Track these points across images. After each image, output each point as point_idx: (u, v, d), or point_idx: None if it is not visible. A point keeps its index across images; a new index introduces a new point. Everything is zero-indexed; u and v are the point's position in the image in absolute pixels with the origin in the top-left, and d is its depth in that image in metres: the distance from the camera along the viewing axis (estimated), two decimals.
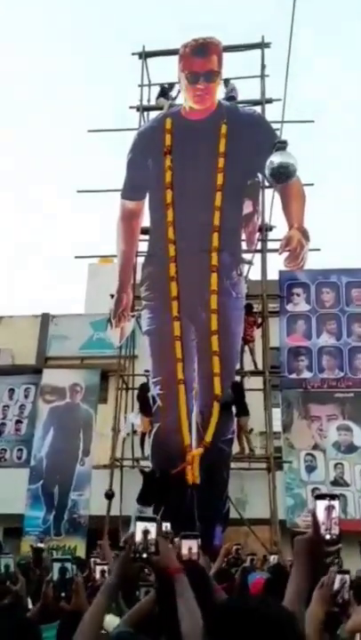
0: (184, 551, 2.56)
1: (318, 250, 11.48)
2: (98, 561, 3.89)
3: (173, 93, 12.44)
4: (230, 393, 9.86)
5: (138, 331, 11.44)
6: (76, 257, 14.03)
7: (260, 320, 11.38)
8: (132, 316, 11.26)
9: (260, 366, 11.25)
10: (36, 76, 34.91)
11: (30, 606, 3.11)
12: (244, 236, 11.16)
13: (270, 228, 11.88)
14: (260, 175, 10.74)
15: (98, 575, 3.46)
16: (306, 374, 11.31)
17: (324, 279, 11.85)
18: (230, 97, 12.00)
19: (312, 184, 11.32)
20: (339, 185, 28.77)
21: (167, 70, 12.37)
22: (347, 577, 2.24)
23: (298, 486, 10.63)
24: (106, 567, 3.45)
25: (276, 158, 8.15)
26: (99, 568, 3.49)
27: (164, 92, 12.73)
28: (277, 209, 10.86)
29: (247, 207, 11.06)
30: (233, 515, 9.85)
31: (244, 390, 10.44)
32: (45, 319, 14.59)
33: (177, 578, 1.80)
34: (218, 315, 9.86)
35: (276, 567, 4.82)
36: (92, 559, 4.40)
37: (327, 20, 30.59)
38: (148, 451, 10.37)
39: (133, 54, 13.43)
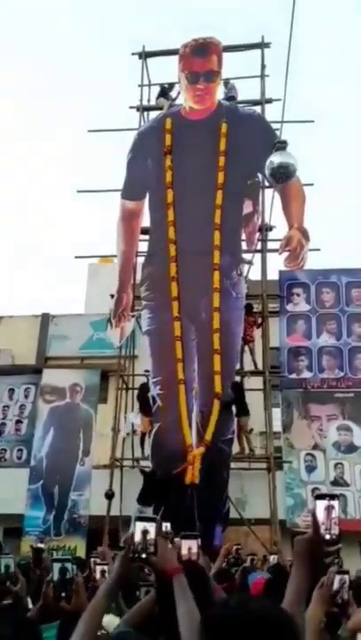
0: (184, 551, 2.56)
1: (318, 250, 11.49)
2: (98, 561, 3.89)
3: (173, 93, 12.45)
4: (230, 393, 9.86)
5: (138, 331, 11.44)
6: (76, 257, 14.05)
7: (260, 320, 11.39)
8: (132, 316, 11.26)
9: (260, 366, 11.26)
10: (36, 76, 34.95)
11: (30, 606, 3.11)
12: (244, 236, 11.16)
13: (270, 228, 11.89)
14: (260, 175, 10.73)
15: (98, 575, 3.47)
16: (306, 374, 11.32)
17: (324, 279, 11.86)
18: (230, 97, 11.99)
19: (312, 184, 11.32)
20: (339, 185, 28.77)
21: (167, 70, 12.38)
22: (346, 577, 2.24)
23: (298, 486, 10.63)
24: (106, 567, 3.45)
25: (276, 158, 8.14)
26: (99, 568, 3.50)
27: (164, 92, 12.73)
28: (277, 209, 10.86)
29: (247, 207, 11.06)
30: (233, 515, 9.85)
31: (244, 390, 10.44)
32: (45, 319, 14.60)
33: (175, 578, 1.80)
34: (220, 313, 9.85)
35: (276, 567, 4.83)
36: (92, 559, 4.40)
37: (327, 20, 30.60)
38: (148, 451, 10.37)
39: (133, 54, 13.43)
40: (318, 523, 1.62)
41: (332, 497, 1.67)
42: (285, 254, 9.80)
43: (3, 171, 37.88)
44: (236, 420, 10.17)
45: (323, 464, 10.78)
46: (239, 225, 10.90)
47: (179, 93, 11.81)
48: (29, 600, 3.37)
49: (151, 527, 1.79)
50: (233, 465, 10.17)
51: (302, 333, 11.55)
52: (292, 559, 1.82)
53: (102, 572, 3.42)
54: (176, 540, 2.76)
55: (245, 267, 11.08)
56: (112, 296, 11.28)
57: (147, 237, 11.32)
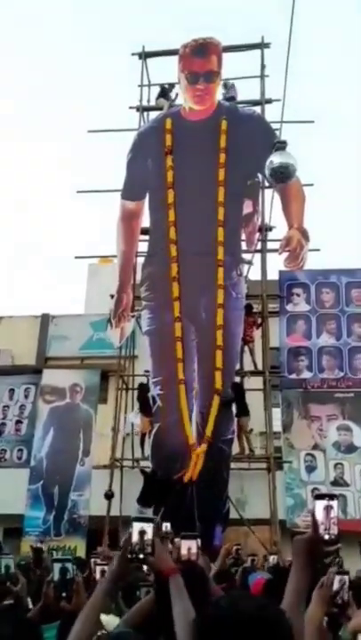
0: (183, 551, 2.56)
1: (318, 250, 11.49)
2: (98, 561, 3.89)
3: (173, 94, 12.45)
4: (230, 393, 9.87)
5: (138, 331, 11.45)
6: (76, 257, 14.05)
7: (259, 321, 11.39)
8: (132, 317, 11.27)
9: (259, 366, 11.26)
10: (36, 76, 34.95)
11: (31, 606, 3.11)
12: (243, 236, 11.17)
13: (270, 228, 11.89)
14: (260, 175, 10.74)
15: (98, 575, 3.47)
16: (306, 374, 11.32)
17: (324, 279, 11.86)
18: (230, 97, 12.00)
19: (312, 184, 11.31)
20: (339, 185, 28.76)
21: (167, 70, 12.38)
22: (346, 578, 2.24)
23: (298, 486, 10.63)
24: (106, 567, 3.45)
25: (275, 158, 8.14)
26: (99, 568, 3.50)
27: (164, 92, 12.74)
28: (277, 209, 10.87)
29: (247, 207, 11.06)
30: (233, 515, 9.85)
31: (244, 390, 10.45)
32: (45, 319, 14.60)
33: (172, 579, 1.81)
34: (224, 310, 9.84)
35: (275, 567, 4.83)
36: (93, 559, 4.40)
37: (327, 20, 30.61)
38: (148, 451, 10.37)
39: (133, 54, 13.43)
40: (317, 523, 1.62)
41: (331, 497, 1.67)
42: (285, 254, 9.80)
43: (3, 171, 37.91)
44: (236, 420, 10.18)
45: (323, 464, 10.78)
46: (239, 225, 10.90)
47: (177, 95, 11.85)
48: (30, 600, 3.38)
49: (149, 528, 1.80)
50: (233, 465, 10.18)
51: (302, 333, 11.56)
52: (291, 559, 1.82)
53: (102, 572, 3.42)
54: (176, 540, 2.77)
55: (245, 267, 11.08)
56: (112, 296, 11.28)
57: (147, 237, 11.32)
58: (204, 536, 4.81)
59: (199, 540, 2.66)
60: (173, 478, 9.12)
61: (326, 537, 1.61)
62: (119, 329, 11.33)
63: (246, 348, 11.08)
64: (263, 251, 11.74)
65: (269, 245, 11.75)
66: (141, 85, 13.18)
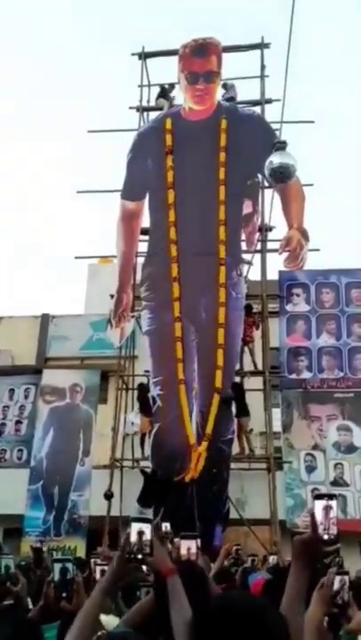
0: (183, 551, 2.56)
1: (318, 250, 11.49)
2: (98, 561, 3.90)
3: (173, 94, 12.45)
4: (230, 393, 9.87)
5: (138, 331, 11.45)
6: (76, 257, 14.05)
7: (259, 321, 11.38)
8: (132, 317, 11.27)
9: (259, 366, 11.26)
10: (36, 76, 34.97)
11: (31, 607, 3.11)
12: (243, 237, 11.17)
13: (270, 229, 11.88)
14: (259, 175, 10.74)
15: (98, 575, 3.47)
16: (306, 374, 11.32)
17: (324, 279, 11.86)
18: (230, 97, 11.99)
19: (312, 184, 11.32)
20: (339, 185, 28.78)
21: (167, 71, 12.39)
22: (346, 578, 2.24)
23: (298, 486, 10.63)
24: (106, 567, 3.45)
25: (275, 159, 8.14)
26: (99, 568, 3.50)
27: (164, 92, 12.74)
28: (277, 209, 10.87)
29: (247, 207, 11.07)
30: (233, 515, 9.86)
31: (244, 391, 10.45)
32: (45, 320, 14.60)
33: (170, 579, 1.81)
34: (225, 308, 9.84)
35: (275, 568, 4.83)
36: (93, 559, 4.40)
37: (327, 20, 30.61)
38: (148, 451, 10.37)
39: (133, 54, 13.43)
40: (317, 523, 1.62)
41: (331, 497, 1.67)
42: (285, 254, 9.81)
43: (3, 171, 37.91)
44: (236, 420, 10.18)
45: (323, 464, 10.78)
46: (239, 225, 10.91)
47: (174, 98, 11.87)
48: (30, 600, 3.38)
49: (147, 528, 1.80)
50: (233, 465, 10.18)
51: (302, 334, 11.56)
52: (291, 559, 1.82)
53: (102, 572, 3.42)
54: (176, 540, 2.77)
55: (245, 267, 11.09)
56: (112, 296, 11.29)
57: (147, 238, 11.33)
58: (204, 536, 4.82)
59: (199, 540, 2.66)
60: (174, 479, 9.11)
61: (326, 537, 1.61)
62: (119, 329, 11.34)
63: (246, 349, 11.08)
64: (263, 251, 11.73)
65: (269, 245, 11.75)
66: (141, 85, 13.19)
